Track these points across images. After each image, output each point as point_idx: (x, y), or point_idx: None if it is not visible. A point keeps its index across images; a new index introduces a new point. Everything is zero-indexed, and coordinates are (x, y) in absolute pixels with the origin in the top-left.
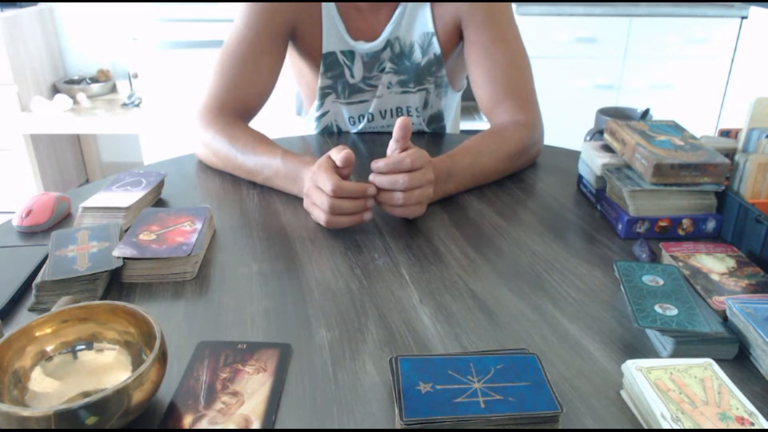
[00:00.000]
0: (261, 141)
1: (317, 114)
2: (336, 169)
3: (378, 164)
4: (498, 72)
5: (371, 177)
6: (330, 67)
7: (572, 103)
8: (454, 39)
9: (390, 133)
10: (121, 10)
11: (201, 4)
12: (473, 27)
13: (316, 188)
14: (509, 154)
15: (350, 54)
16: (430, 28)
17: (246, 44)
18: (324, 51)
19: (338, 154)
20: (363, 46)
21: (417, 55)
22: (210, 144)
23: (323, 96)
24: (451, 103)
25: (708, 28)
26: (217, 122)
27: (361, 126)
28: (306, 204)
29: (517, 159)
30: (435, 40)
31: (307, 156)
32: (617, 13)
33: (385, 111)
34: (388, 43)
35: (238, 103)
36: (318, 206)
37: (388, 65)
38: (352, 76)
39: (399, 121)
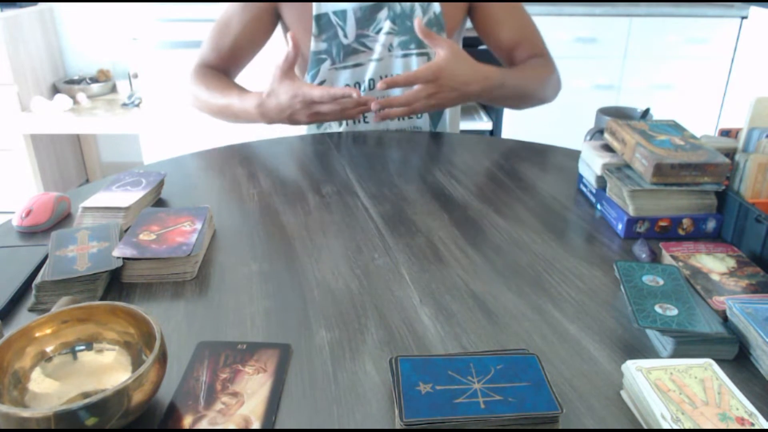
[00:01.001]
0: (229, 84)
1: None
2: (289, 74)
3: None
4: (517, 24)
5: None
6: (323, 29)
7: (572, 103)
8: (458, 14)
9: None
10: (121, 10)
11: (201, 4)
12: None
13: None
14: (543, 80)
15: (342, 14)
16: None
17: (230, 13)
18: (315, 12)
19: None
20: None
21: (418, 14)
22: (193, 92)
23: (318, 62)
24: None
25: (708, 28)
26: (199, 74)
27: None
28: (291, 118)
29: (548, 86)
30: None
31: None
32: (617, 13)
33: (386, 77)
34: (386, 3)
35: (221, 60)
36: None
37: (388, 25)
38: (345, 36)
39: (416, 25)
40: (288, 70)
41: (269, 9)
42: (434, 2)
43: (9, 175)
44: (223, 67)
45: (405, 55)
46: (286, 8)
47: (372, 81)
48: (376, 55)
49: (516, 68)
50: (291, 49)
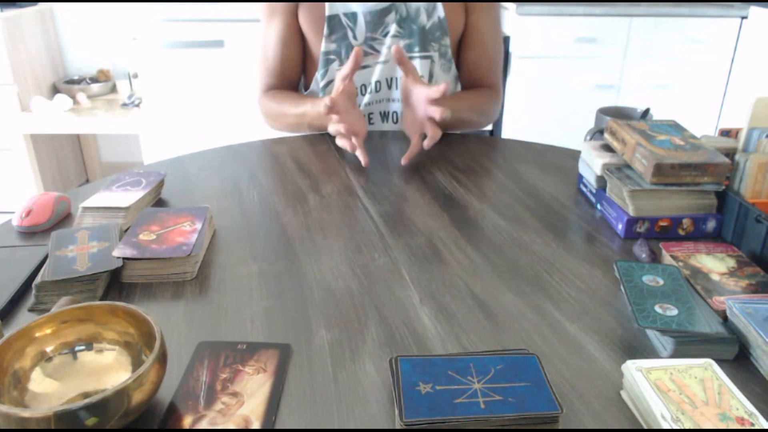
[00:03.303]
0: (297, 96)
1: (322, 84)
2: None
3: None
4: (491, 53)
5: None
6: (334, 30)
7: (572, 103)
8: (461, 19)
9: (395, 110)
10: (122, 10)
11: (201, 4)
12: (478, 18)
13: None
14: (480, 109)
15: (353, 16)
16: None
17: (265, 35)
18: (328, 14)
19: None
20: (366, 4)
21: (422, 18)
22: (265, 111)
23: (327, 63)
24: (452, 85)
25: (708, 28)
26: (265, 96)
27: (366, 98)
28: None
29: (482, 115)
30: (439, 5)
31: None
32: (617, 13)
33: (391, 79)
34: (394, 6)
35: (278, 81)
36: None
37: (394, 28)
38: (354, 38)
39: (394, 51)
40: (347, 79)
41: (294, 17)
42: (439, 6)
43: (9, 175)
44: (284, 86)
45: (409, 58)
46: (301, 11)
47: (378, 83)
48: (382, 58)
49: (454, 96)
50: (352, 59)
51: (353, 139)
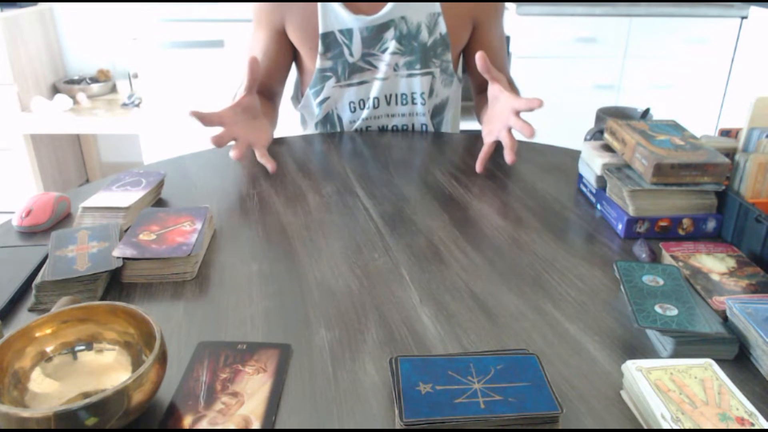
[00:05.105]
0: None
1: (318, 101)
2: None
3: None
4: (501, 57)
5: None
6: (329, 48)
7: (572, 103)
8: (463, 34)
9: (394, 124)
10: (121, 10)
11: (201, 4)
12: (487, 28)
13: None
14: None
15: (348, 32)
16: (437, 9)
17: (253, 42)
18: (321, 31)
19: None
20: (363, 19)
21: (424, 34)
22: None
23: (323, 79)
24: (454, 96)
25: (708, 28)
26: None
27: (364, 113)
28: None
29: None
30: (441, 19)
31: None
32: (617, 13)
33: (391, 96)
34: (393, 23)
35: (258, 86)
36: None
37: (394, 45)
38: (351, 54)
39: (479, 59)
40: (246, 93)
41: (281, 31)
42: (441, 21)
43: (9, 175)
44: (262, 91)
45: (410, 75)
46: (291, 28)
47: (377, 99)
48: (381, 74)
49: None
50: (248, 74)
51: (256, 150)
